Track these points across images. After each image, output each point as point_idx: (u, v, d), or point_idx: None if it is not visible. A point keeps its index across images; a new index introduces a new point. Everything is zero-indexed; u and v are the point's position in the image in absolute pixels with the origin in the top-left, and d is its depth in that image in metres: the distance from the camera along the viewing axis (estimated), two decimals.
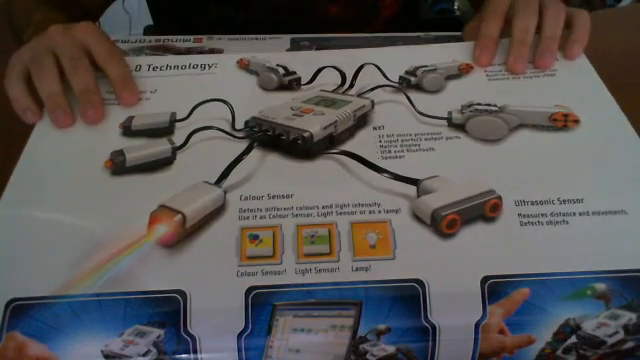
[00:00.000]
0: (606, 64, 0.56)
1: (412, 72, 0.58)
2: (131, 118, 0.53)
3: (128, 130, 0.52)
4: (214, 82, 0.58)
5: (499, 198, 0.44)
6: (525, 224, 0.43)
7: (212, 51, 0.68)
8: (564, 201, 0.44)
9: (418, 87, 0.56)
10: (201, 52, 0.68)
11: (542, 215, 0.43)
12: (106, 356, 0.39)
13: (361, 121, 0.53)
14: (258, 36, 0.71)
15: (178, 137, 0.51)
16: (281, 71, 0.58)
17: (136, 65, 0.59)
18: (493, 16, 0.60)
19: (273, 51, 0.67)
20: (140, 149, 0.50)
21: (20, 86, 0.54)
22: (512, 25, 0.58)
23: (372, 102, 0.54)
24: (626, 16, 0.92)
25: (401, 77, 0.57)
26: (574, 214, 0.44)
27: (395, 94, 0.56)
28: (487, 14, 0.60)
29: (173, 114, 0.54)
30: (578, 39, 0.58)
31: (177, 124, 0.53)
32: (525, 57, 0.57)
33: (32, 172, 0.49)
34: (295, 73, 0.58)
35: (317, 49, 0.67)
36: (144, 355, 0.39)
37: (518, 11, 0.58)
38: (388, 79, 0.58)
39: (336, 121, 0.51)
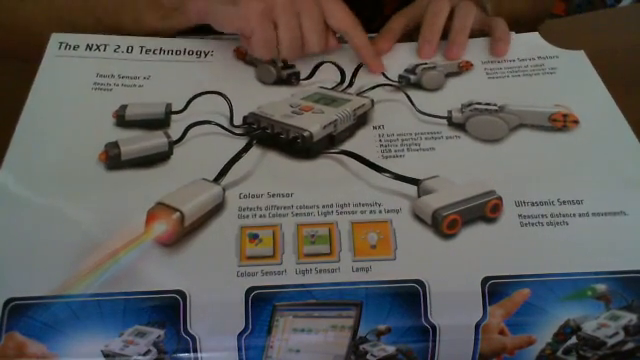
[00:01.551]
0: (606, 64, 0.56)
1: (411, 70, 0.58)
2: (124, 107, 0.52)
3: (122, 120, 0.51)
4: (210, 72, 0.57)
5: (499, 199, 0.44)
6: (525, 225, 0.43)
7: None
8: (564, 202, 0.44)
9: (418, 85, 0.56)
10: None
11: (542, 216, 0.44)
12: (106, 355, 0.39)
13: (361, 120, 0.53)
14: None
15: (174, 130, 0.51)
16: (279, 64, 0.57)
17: (127, 46, 0.58)
18: (399, 16, 0.63)
19: None
20: (135, 142, 0.49)
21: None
22: (423, 17, 0.61)
23: (372, 101, 0.54)
24: (626, 16, 0.92)
25: (400, 76, 0.57)
26: (574, 215, 0.44)
27: (395, 93, 0.56)
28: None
29: (168, 105, 0.53)
30: (502, 38, 0.60)
31: (173, 116, 0.52)
32: (433, 41, 0.59)
33: (23, 165, 0.47)
34: (294, 67, 0.58)
35: None
36: (144, 355, 0.39)
37: (429, 5, 0.61)
38: (387, 77, 0.57)
39: (336, 120, 0.51)
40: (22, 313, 0.39)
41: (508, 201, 0.44)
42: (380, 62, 0.58)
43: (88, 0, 0.59)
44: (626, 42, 0.77)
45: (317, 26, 0.55)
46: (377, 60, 0.58)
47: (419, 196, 0.45)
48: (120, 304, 0.39)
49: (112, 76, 0.55)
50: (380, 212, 0.44)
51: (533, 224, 0.43)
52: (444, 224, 0.42)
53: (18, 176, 0.46)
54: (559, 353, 0.40)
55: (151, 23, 0.59)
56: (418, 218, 0.44)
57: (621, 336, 0.40)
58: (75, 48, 0.57)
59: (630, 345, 0.40)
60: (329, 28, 0.57)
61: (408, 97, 0.55)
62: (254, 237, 0.43)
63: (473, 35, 0.60)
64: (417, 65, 0.58)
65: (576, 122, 0.51)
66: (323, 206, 0.44)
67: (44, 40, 0.58)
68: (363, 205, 0.44)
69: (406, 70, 0.58)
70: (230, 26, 0.55)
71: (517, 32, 0.61)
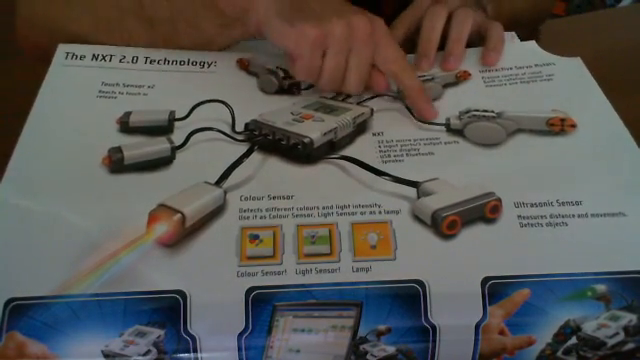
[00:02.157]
0: (606, 64, 0.57)
1: None
2: (128, 114, 0.52)
3: (125, 126, 0.52)
4: (213, 82, 0.58)
5: (499, 200, 0.44)
6: (525, 225, 0.43)
7: None
8: (563, 203, 0.45)
9: None
10: None
11: (541, 217, 0.44)
12: (106, 355, 0.39)
13: (361, 127, 0.53)
14: None
15: (177, 136, 0.51)
16: (281, 74, 0.58)
17: (133, 57, 0.58)
18: (400, 21, 0.64)
19: (275, 52, 0.65)
20: (138, 147, 0.49)
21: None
22: (421, 25, 0.61)
23: (371, 110, 0.55)
24: (626, 16, 0.93)
25: (399, 90, 0.58)
26: (573, 216, 0.44)
27: (394, 102, 0.56)
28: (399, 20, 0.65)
29: (172, 112, 0.53)
30: (495, 48, 0.60)
31: (176, 123, 0.53)
32: (430, 55, 0.60)
33: (28, 167, 0.47)
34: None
35: None
36: (144, 355, 0.39)
37: (427, 13, 0.61)
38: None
39: (336, 128, 0.51)
40: (23, 313, 0.39)
41: (507, 202, 0.44)
42: (431, 108, 0.55)
43: (142, 5, 0.58)
44: (626, 42, 0.78)
45: (362, 68, 0.53)
46: (428, 105, 0.55)
47: (418, 198, 0.45)
48: (120, 304, 0.39)
49: (117, 84, 0.56)
50: (380, 213, 0.44)
51: (532, 225, 0.43)
52: (444, 225, 0.42)
53: (22, 178, 0.47)
54: (559, 353, 0.40)
55: (209, 30, 0.58)
56: (418, 219, 0.44)
57: (621, 336, 0.40)
58: (81, 58, 0.58)
59: (630, 345, 0.40)
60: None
61: (407, 107, 0.55)
62: (254, 237, 0.43)
63: (471, 38, 0.61)
64: None
65: (573, 126, 0.51)
66: (323, 207, 0.45)
67: None
68: (363, 206, 0.45)
69: None
70: (280, 43, 0.53)
71: (517, 32, 0.62)
